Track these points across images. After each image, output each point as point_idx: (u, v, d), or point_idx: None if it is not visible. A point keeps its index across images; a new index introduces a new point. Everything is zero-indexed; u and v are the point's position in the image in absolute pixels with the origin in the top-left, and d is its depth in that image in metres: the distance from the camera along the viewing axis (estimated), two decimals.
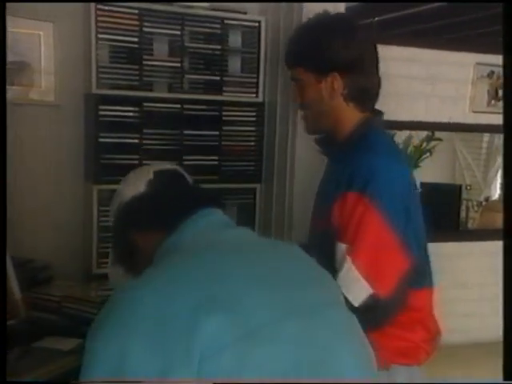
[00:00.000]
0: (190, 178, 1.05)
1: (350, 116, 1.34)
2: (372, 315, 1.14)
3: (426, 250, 1.36)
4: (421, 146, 3.44)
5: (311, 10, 1.76)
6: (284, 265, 0.89)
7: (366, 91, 1.35)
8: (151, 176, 1.00)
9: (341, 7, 1.88)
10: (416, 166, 3.43)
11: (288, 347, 0.74)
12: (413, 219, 1.26)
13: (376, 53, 1.35)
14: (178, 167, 1.08)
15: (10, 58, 1.73)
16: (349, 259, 1.17)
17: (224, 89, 1.88)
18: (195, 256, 0.84)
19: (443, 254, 3.03)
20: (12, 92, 1.77)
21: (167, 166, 1.07)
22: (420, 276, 1.27)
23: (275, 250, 0.94)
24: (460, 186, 3.47)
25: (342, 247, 1.19)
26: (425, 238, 1.36)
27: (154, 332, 0.70)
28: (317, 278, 0.90)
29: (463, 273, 2.93)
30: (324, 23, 1.38)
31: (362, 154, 1.26)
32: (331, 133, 1.36)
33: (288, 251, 0.96)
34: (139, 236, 0.96)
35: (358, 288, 1.16)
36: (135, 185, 1.00)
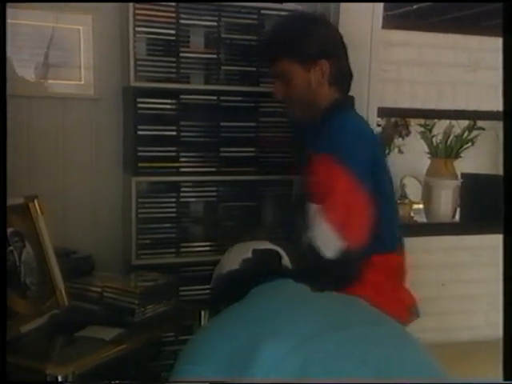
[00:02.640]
0: (286, 259, 1.20)
1: (330, 98, 1.44)
2: (343, 269, 1.24)
3: (395, 210, 1.48)
4: (462, 135, 3.34)
5: None
6: (332, 310, 0.99)
7: (346, 74, 1.46)
8: (250, 254, 1.17)
9: None
10: (457, 156, 3.34)
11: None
12: (377, 172, 1.36)
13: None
14: (278, 249, 1.21)
15: (52, 53, 1.77)
16: (320, 214, 1.25)
17: (260, 80, 1.86)
18: (253, 305, 1.03)
19: (487, 246, 2.95)
20: (53, 87, 1.80)
21: (269, 245, 1.21)
22: (386, 239, 1.36)
23: (328, 300, 1.05)
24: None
25: (313, 207, 1.27)
26: (393, 194, 1.47)
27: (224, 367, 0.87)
28: (367, 320, 0.98)
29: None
30: (302, 15, 1.52)
31: (330, 123, 1.36)
32: (314, 115, 1.44)
33: (343, 301, 1.06)
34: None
35: (329, 239, 1.23)
36: (235, 260, 1.18)
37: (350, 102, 1.51)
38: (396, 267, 1.39)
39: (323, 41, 1.42)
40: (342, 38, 1.46)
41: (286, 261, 1.21)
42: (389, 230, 1.38)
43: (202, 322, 1.53)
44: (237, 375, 0.84)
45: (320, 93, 1.44)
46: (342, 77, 1.46)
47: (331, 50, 1.42)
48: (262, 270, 1.13)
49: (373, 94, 1.94)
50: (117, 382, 1.35)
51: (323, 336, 0.87)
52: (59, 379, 1.10)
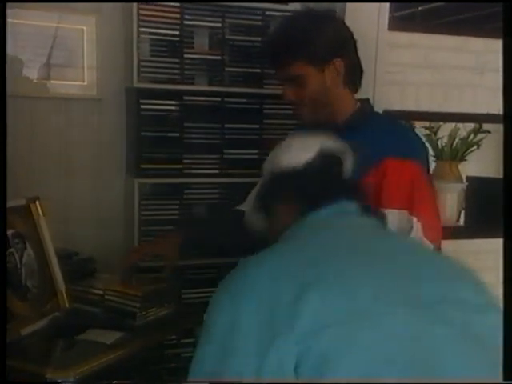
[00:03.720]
0: (348, 161, 1.06)
1: (347, 99, 1.42)
2: None
3: None
4: (468, 138, 3.32)
5: None
6: (404, 257, 0.89)
7: (358, 73, 1.43)
8: (314, 156, 1.01)
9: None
10: (462, 159, 3.31)
11: (389, 338, 0.74)
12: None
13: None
14: (342, 146, 1.06)
15: (55, 53, 1.76)
16: (416, 223, 1.24)
17: (265, 81, 1.85)
18: (314, 237, 0.91)
19: (491, 250, 2.93)
20: (56, 87, 1.79)
21: (332, 143, 1.06)
22: None
23: (399, 243, 0.96)
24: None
25: (397, 213, 1.24)
26: None
27: (264, 308, 0.76)
28: (442, 274, 0.88)
29: None
30: (308, 14, 1.42)
31: (391, 129, 1.35)
32: (330, 118, 1.40)
33: (416, 246, 0.99)
34: (282, 204, 1.02)
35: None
36: (296, 157, 1.02)
37: (371, 105, 1.52)
38: None
39: (335, 39, 1.36)
40: (351, 33, 1.40)
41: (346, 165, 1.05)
42: None
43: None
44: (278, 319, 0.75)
45: (335, 93, 1.39)
46: (355, 74, 1.42)
47: (343, 47, 1.37)
48: (327, 179, 1.01)
49: (378, 97, 1.93)
50: None
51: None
52: None
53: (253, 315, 0.77)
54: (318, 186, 1.00)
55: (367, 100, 1.48)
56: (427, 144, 3.46)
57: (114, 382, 1.25)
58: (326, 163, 1.02)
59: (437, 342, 0.75)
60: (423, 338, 0.75)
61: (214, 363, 0.78)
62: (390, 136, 1.31)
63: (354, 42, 1.40)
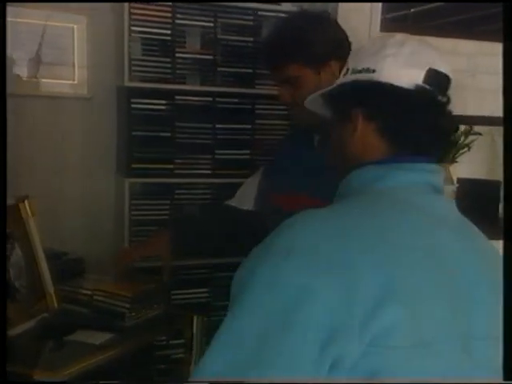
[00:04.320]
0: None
1: None
2: None
3: None
4: (458, 140, 3.33)
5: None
6: (470, 278, 0.75)
7: None
8: (422, 77, 0.83)
9: None
10: (453, 161, 3.33)
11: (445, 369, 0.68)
12: None
13: None
14: (450, 74, 0.87)
15: (45, 51, 1.75)
16: None
17: (257, 82, 1.85)
18: (390, 209, 0.76)
19: None
20: (46, 86, 1.78)
21: (444, 66, 0.86)
22: None
23: (470, 252, 0.80)
24: (499, 183, 3.35)
25: None
26: None
27: (341, 283, 0.65)
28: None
29: None
30: (305, 16, 1.44)
31: None
32: (325, 120, 1.39)
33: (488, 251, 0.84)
34: (363, 122, 0.84)
35: None
36: (401, 73, 0.83)
37: None
38: None
39: (331, 40, 1.36)
40: (346, 35, 1.41)
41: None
42: None
43: (194, 327, 1.51)
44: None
45: None
46: None
47: (339, 49, 1.36)
48: (431, 119, 0.84)
49: None
50: None
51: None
52: None
53: (330, 286, 0.64)
54: (417, 124, 0.83)
55: None
56: None
57: (101, 382, 1.24)
58: (434, 92, 0.83)
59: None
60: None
61: (261, 339, 0.62)
62: None
63: (349, 43, 1.40)
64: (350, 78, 0.88)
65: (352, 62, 0.89)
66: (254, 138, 1.87)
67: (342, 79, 0.90)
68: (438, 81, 0.84)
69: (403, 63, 0.83)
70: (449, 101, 0.86)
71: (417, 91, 0.82)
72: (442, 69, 0.85)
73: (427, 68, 0.83)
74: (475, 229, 0.87)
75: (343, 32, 1.41)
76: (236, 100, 1.84)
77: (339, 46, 1.36)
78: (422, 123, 0.83)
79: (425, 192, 0.81)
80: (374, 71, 0.84)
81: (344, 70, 0.91)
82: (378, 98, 0.83)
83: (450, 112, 0.87)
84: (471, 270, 0.76)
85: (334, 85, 0.92)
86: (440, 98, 0.84)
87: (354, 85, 0.86)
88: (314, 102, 1.01)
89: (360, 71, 0.86)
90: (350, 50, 1.41)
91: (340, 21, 1.81)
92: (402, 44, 0.85)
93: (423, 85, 0.82)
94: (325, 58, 1.35)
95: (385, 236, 0.71)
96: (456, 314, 0.71)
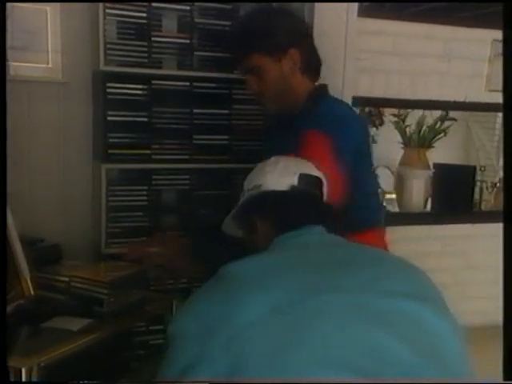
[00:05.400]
0: (323, 187, 1.17)
1: (306, 87, 1.47)
2: None
3: (375, 188, 1.57)
4: (435, 125, 3.37)
5: None
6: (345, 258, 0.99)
7: (316, 61, 1.49)
8: (296, 181, 1.12)
9: None
10: (429, 146, 3.36)
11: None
12: (365, 162, 1.43)
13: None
14: (321, 176, 1.17)
15: (16, 34, 1.70)
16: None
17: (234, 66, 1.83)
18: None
19: (457, 235, 2.99)
20: (19, 69, 1.74)
21: (313, 171, 1.16)
22: (366, 216, 1.42)
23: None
24: (474, 168, 3.41)
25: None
26: (377, 183, 1.60)
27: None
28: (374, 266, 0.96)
29: (476, 255, 2.89)
30: (269, 8, 1.53)
31: (316, 106, 1.40)
32: (291, 106, 1.46)
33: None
34: (260, 222, 1.10)
35: None
36: (279, 182, 1.12)
37: (326, 89, 1.54)
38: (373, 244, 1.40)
39: (289, 30, 1.43)
40: (308, 27, 1.51)
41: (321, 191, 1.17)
42: (366, 208, 1.41)
43: (174, 312, 1.51)
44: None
45: (294, 81, 1.45)
46: (313, 63, 1.49)
47: (298, 37, 1.44)
48: (305, 204, 1.12)
49: (347, 83, 1.93)
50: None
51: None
52: (23, 372, 1.07)
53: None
54: (297, 209, 1.10)
55: (324, 85, 1.52)
56: (396, 131, 3.51)
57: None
58: (305, 189, 1.13)
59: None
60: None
61: None
62: (329, 115, 1.38)
63: (310, 33, 1.48)
64: (246, 195, 1.16)
65: (245, 185, 1.18)
66: (232, 123, 1.86)
67: (241, 200, 1.18)
68: (308, 180, 1.14)
69: (279, 174, 1.13)
70: (322, 194, 1.16)
71: (292, 190, 1.11)
72: (313, 173, 1.16)
73: (298, 174, 1.12)
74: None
75: (303, 22, 1.52)
76: (213, 85, 1.83)
77: (298, 35, 1.44)
78: (301, 210, 1.11)
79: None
80: (260, 186, 1.13)
81: (241, 195, 1.18)
82: (267, 202, 1.12)
83: (323, 201, 1.17)
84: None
85: (236, 207, 1.18)
86: (313, 191, 1.14)
87: (249, 199, 1.15)
88: (228, 226, 1.24)
89: (252, 189, 1.15)
90: (311, 39, 1.49)
91: (318, 7, 1.82)
92: (277, 162, 1.16)
93: (297, 185, 1.12)
94: (284, 46, 1.42)
95: None
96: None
